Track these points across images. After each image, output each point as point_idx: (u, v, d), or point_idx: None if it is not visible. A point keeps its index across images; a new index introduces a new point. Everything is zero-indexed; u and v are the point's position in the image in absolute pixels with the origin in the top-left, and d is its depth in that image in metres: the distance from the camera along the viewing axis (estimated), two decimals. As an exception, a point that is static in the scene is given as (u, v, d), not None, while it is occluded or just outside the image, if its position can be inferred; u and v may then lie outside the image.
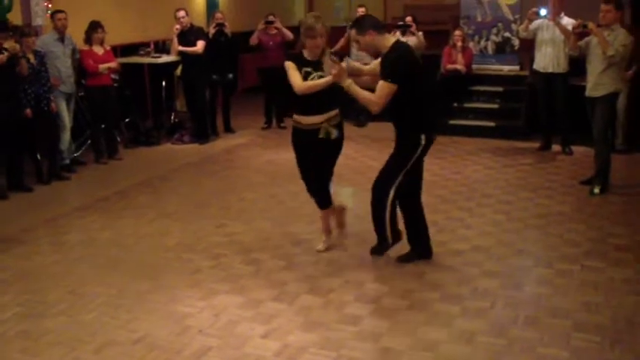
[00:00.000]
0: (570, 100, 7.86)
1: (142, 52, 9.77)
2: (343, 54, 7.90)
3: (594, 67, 6.44)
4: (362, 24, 4.62)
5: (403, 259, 4.87)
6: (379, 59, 4.63)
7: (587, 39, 6.57)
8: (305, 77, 4.67)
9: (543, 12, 8.11)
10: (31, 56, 7.00)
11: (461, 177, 7.23)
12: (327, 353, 3.66)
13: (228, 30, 9.37)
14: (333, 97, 4.67)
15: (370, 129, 9.26)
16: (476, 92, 9.69)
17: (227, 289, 4.51)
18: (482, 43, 10.01)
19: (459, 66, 9.31)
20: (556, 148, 8.28)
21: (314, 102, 4.67)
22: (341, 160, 5.01)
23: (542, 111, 8.28)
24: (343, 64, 4.61)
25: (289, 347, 3.73)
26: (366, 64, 5.17)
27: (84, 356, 3.69)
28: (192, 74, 8.96)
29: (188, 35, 8.77)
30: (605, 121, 6.47)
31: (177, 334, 3.91)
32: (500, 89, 9.62)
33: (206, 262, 4.99)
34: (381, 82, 4.46)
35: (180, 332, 3.93)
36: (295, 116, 4.86)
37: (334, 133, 4.74)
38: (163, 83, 10.01)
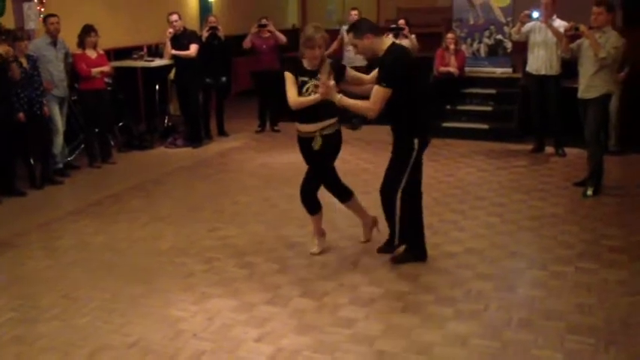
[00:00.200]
0: (563, 102, 7.89)
1: (135, 56, 9.74)
2: (337, 58, 7.89)
3: (586, 69, 6.46)
4: (359, 28, 4.62)
5: (398, 260, 4.88)
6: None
7: (578, 41, 6.59)
8: (301, 86, 4.75)
9: (535, 14, 8.14)
10: (23, 60, 6.98)
11: (454, 179, 7.24)
12: (321, 356, 3.66)
13: (221, 33, 9.37)
14: (328, 106, 4.70)
15: (364, 132, 9.29)
16: (469, 95, 9.71)
17: (220, 292, 4.50)
18: (475, 45, 10.04)
19: (452, 69, 9.33)
20: (549, 150, 8.31)
21: (310, 111, 4.74)
22: (336, 162, 5.01)
23: (534, 113, 8.31)
24: (342, 77, 4.59)
25: (283, 350, 3.73)
26: (357, 67, 5.17)
27: (77, 361, 3.68)
28: (185, 78, 8.96)
29: (181, 39, 8.78)
30: (597, 123, 6.49)
31: (171, 338, 3.90)
32: (493, 92, 9.65)
33: (199, 265, 4.98)
34: (375, 87, 4.47)
35: (174, 336, 3.92)
36: (296, 123, 4.94)
37: (318, 143, 4.78)
38: (157, 87, 9.99)
